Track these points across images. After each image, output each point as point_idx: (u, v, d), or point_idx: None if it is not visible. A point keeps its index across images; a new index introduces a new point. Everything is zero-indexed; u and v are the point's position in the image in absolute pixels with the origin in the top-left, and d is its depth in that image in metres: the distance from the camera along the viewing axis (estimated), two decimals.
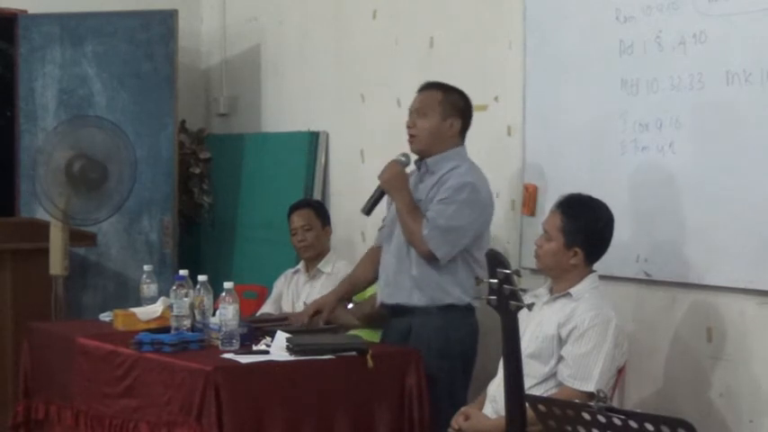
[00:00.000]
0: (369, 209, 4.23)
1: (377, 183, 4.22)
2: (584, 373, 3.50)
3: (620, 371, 3.76)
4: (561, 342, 3.57)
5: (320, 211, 5.05)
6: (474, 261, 4.08)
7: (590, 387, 3.44)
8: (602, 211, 3.72)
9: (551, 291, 3.73)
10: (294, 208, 5.08)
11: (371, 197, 4.21)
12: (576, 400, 2.93)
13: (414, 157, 4.22)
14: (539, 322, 3.65)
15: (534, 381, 3.55)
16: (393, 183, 4.11)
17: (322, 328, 4.31)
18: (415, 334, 4.07)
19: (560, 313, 3.61)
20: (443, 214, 3.99)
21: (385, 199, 4.25)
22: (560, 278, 3.69)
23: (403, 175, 4.13)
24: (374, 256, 4.33)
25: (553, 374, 3.57)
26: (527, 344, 3.53)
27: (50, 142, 5.25)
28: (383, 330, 4.28)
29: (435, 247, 3.98)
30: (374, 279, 4.34)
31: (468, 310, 4.11)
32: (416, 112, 4.15)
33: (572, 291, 3.64)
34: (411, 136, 4.16)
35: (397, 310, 4.14)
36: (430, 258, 4.02)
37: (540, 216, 4.41)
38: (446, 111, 4.13)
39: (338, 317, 4.44)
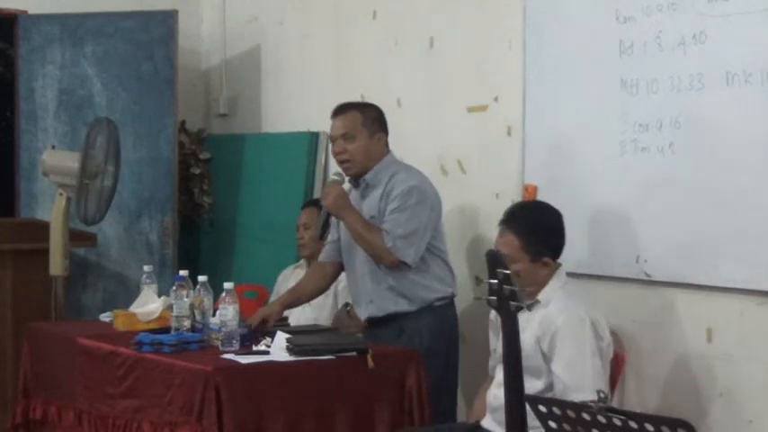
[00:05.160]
0: (322, 234, 4.34)
1: None
2: (576, 382, 3.43)
3: (620, 369, 3.76)
4: (545, 357, 3.51)
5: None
6: (439, 251, 4.24)
7: (587, 395, 3.32)
8: (546, 209, 3.72)
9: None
10: (304, 205, 5.14)
11: (319, 222, 4.30)
12: (576, 401, 2.93)
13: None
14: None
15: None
16: (338, 203, 4.17)
17: (322, 328, 4.32)
18: (407, 336, 4.12)
19: (535, 324, 3.54)
20: (399, 223, 4.10)
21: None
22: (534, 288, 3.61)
23: (345, 194, 4.22)
24: (322, 270, 4.44)
25: (550, 388, 3.51)
26: None
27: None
28: (372, 336, 4.23)
29: (402, 255, 4.09)
30: (320, 292, 4.48)
31: (452, 300, 4.25)
32: (343, 137, 4.23)
33: (540, 297, 3.57)
34: (344, 161, 4.24)
35: (387, 318, 4.19)
36: (400, 267, 4.11)
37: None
38: (370, 129, 4.25)
39: (342, 323, 4.46)
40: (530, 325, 3.54)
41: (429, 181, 4.28)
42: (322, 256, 4.48)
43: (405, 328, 4.15)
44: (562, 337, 3.47)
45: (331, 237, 4.42)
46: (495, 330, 3.77)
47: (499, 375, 3.62)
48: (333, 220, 4.32)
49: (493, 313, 3.79)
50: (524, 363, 3.49)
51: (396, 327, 4.16)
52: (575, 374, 3.44)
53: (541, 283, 3.59)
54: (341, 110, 4.31)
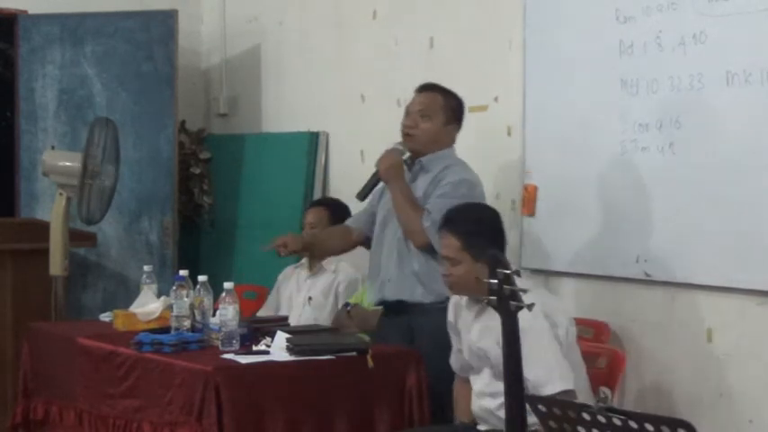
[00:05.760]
0: (364, 195, 4.30)
1: None
2: (542, 377, 3.36)
3: (620, 369, 3.75)
4: None
5: (336, 213, 4.98)
6: None
7: (557, 386, 3.33)
8: (484, 209, 3.70)
9: (470, 307, 3.63)
10: (311, 204, 5.15)
11: (367, 184, 4.27)
12: (576, 401, 2.92)
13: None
14: (476, 343, 3.57)
15: None
16: (392, 172, 4.16)
17: (322, 328, 4.31)
18: (419, 334, 4.08)
19: (493, 330, 3.40)
20: (442, 208, 4.01)
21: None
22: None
23: (401, 165, 4.18)
24: (346, 233, 4.43)
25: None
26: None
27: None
28: (382, 331, 4.22)
29: (435, 240, 3.99)
30: (334, 251, 4.55)
31: None
32: (419, 113, 4.19)
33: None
34: (409, 135, 4.20)
35: (397, 308, 4.15)
36: (427, 249, 4.07)
37: (541, 216, 4.42)
38: (448, 117, 4.21)
39: (342, 324, 4.44)
40: (488, 333, 3.49)
41: (481, 183, 4.21)
42: (351, 221, 4.45)
43: (417, 323, 4.09)
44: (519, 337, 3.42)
45: (370, 206, 4.38)
46: (455, 331, 3.75)
47: (477, 385, 3.61)
48: (374, 195, 4.28)
49: (451, 315, 3.75)
50: (497, 369, 3.48)
51: (407, 320, 4.11)
52: (539, 370, 3.36)
53: (483, 288, 3.54)
54: (427, 88, 4.26)
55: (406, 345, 4.05)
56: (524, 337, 3.26)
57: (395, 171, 4.16)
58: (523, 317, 3.21)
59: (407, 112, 4.24)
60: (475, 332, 3.61)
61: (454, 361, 3.80)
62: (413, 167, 4.23)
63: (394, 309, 4.17)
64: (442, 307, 4.06)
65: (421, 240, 4.07)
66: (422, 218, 4.05)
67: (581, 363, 3.57)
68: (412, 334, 4.10)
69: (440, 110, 4.20)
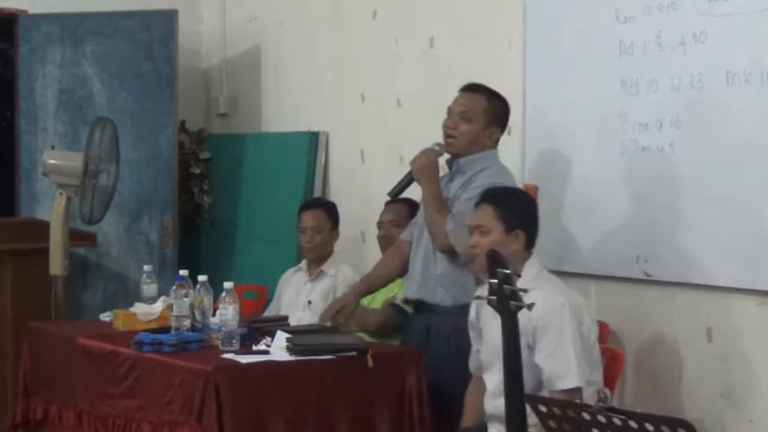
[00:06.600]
0: (395, 193, 4.24)
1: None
2: (560, 371, 3.40)
3: (619, 368, 3.75)
4: (529, 350, 3.45)
5: (332, 214, 4.98)
6: None
7: (573, 382, 3.37)
8: (524, 192, 3.71)
9: None
10: (307, 206, 5.06)
11: (400, 182, 4.20)
12: (576, 401, 2.93)
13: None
14: (497, 337, 3.57)
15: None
16: (424, 172, 4.09)
17: (322, 328, 4.31)
18: (434, 335, 4.06)
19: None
20: (468, 211, 3.96)
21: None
22: None
23: (435, 165, 4.11)
24: (400, 251, 4.31)
25: (532, 380, 3.43)
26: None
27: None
28: (404, 329, 4.23)
29: (456, 243, 3.97)
30: (397, 274, 4.33)
31: None
32: (460, 115, 4.10)
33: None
34: (450, 137, 4.12)
35: (419, 307, 4.14)
36: (449, 252, 4.02)
37: (541, 216, 4.40)
38: (489, 120, 4.11)
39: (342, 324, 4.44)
40: None
41: (516, 185, 4.13)
42: (404, 236, 4.34)
43: (434, 324, 4.06)
44: (542, 330, 3.43)
45: (419, 216, 4.28)
46: (476, 330, 3.75)
47: (490, 384, 3.61)
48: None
49: (473, 314, 3.75)
50: None
51: (425, 319, 4.08)
52: (557, 364, 3.41)
53: (513, 265, 3.46)
54: (471, 89, 4.15)
55: (420, 344, 4.03)
56: (549, 330, 3.32)
57: (427, 171, 4.08)
58: (552, 311, 3.28)
59: (449, 112, 4.14)
60: (497, 327, 3.60)
61: (472, 360, 3.79)
62: (451, 170, 4.17)
63: (414, 307, 4.16)
64: (459, 311, 4.04)
65: (442, 242, 4.01)
66: (446, 220, 3.98)
67: (600, 361, 3.59)
68: (428, 334, 4.09)
69: (481, 113, 4.08)
